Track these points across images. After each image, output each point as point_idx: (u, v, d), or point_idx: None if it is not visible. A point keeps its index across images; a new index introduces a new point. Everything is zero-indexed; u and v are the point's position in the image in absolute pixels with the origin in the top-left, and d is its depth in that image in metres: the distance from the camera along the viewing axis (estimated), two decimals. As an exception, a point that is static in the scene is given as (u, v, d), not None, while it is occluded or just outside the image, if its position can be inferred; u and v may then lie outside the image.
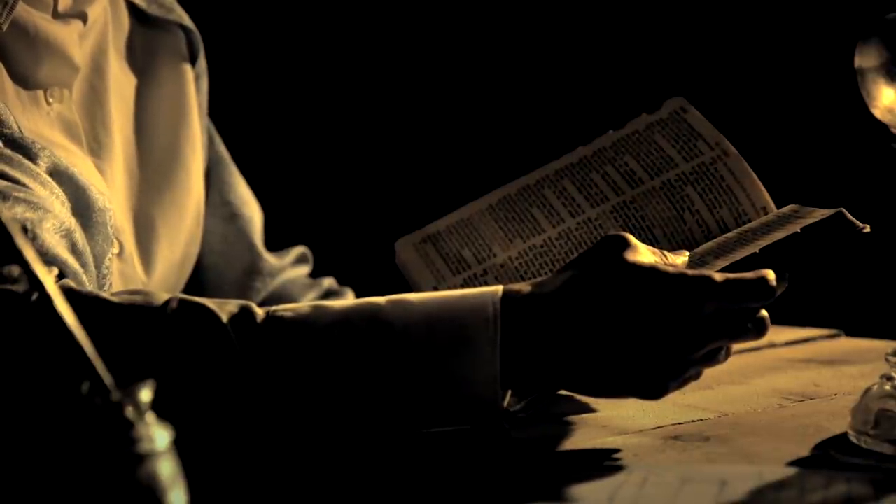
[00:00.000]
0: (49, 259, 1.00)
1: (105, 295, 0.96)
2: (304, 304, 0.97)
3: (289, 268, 1.40)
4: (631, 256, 0.95)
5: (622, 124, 1.18)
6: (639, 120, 1.17)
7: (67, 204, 1.08)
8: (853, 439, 0.94)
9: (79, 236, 1.06)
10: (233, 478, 0.92)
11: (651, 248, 0.97)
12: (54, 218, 1.03)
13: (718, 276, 0.94)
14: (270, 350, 0.93)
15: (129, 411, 0.66)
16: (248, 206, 1.37)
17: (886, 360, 0.95)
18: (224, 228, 1.34)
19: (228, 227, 1.35)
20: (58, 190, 1.07)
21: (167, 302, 0.95)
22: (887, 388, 0.94)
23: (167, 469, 0.66)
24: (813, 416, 1.03)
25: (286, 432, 0.94)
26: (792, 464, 0.91)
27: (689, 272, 0.94)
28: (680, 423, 1.02)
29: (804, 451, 0.94)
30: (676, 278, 0.93)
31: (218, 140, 1.37)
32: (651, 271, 0.94)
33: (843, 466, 0.91)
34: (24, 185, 1.04)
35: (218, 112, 1.38)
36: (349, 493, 0.88)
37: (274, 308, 0.95)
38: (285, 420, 0.93)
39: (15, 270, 0.96)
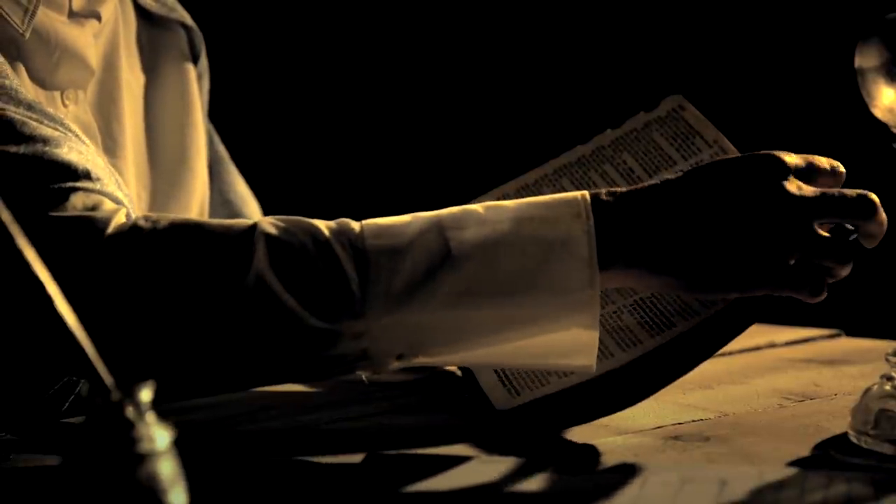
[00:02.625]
0: (115, 199, 1.00)
1: (193, 218, 0.98)
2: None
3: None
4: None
5: (620, 123, 1.17)
6: (637, 118, 1.16)
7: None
8: (853, 439, 0.94)
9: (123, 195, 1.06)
10: (233, 478, 0.92)
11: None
12: (104, 170, 1.03)
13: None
14: (371, 260, 0.94)
15: (130, 411, 0.66)
16: (248, 206, 1.37)
17: (886, 360, 0.95)
18: (224, 228, 1.34)
19: (228, 226, 1.35)
20: (99, 159, 1.07)
21: (257, 222, 0.96)
22: (887, 388, 0.94)
23: (167, 469, 0.66)
24: (813, 416, 1.03)
25: (389, 343, 0.95)
26: (792, 464, 0.91)
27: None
28: (680, 423, 1.02)
29: (804, 451, 0.94)
30: (751, 154, 0.98)
31: (217, 139, 1.37)
32: (728, 158, 0.98)
33: (843, 466, 0.91)
34: (81, 140, 1.04)
35: (218, 112, 1.38)
36: (349, 494, 0.88)
37: (367, 221, 0.96)
38: (387, 326, 0.94)
39: (88, 200, 0.97)
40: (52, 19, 1.11)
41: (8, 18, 1.08)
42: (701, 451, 0.95)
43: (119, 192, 1.02)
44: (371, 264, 0.94)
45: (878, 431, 0.92)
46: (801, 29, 2.25)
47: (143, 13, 1.26)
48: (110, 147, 1.19)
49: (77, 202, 0.97)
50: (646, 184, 0.98)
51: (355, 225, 0.95)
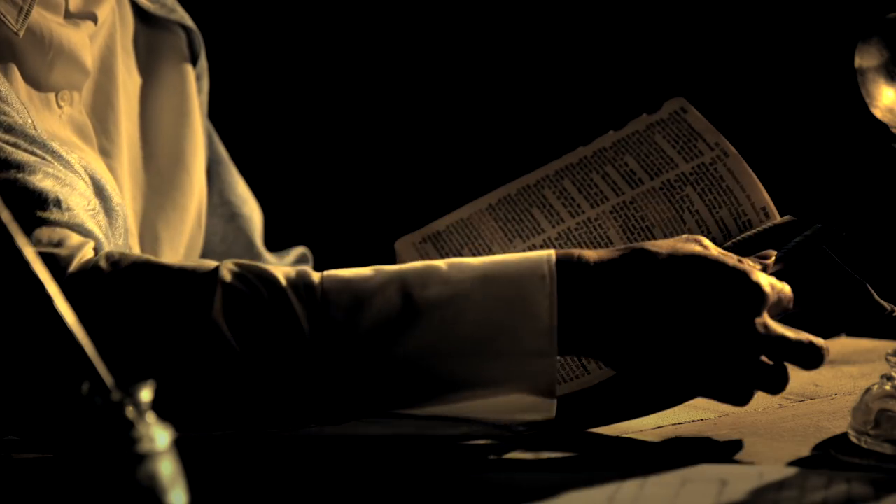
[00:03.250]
0: (84, 231, 1.00)
1: (155, 259, 0.97)
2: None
3: (288, 268, 1.40)
4: (699, 248, 0.96)
5: (622, 124, 1.17)
6: (639, 120, 1.16)
7: (91, 188, 1.08)
8: (853, 439, 0.94)
9: (102, 219, 1.06)
10: (233, 478, 0.92)
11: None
12: (81, 196, 1.03)
13: (775, 287, 0.96)
14: (328, 311, 0.93)
15: (130, 411, 0.66)
16: (248, 206, 1.37)
17: (886, 360, 0.95)
18: (224, 228, 1.35)
19: (228, 226, 1.35)
20: (83, 174, 1.07)
21: (219, 266, 0.95)
22: (887, 388, 0.94)
23: (167, 469, 0.66)
24: (813, 416, 1.03)
25: (341, 395, 0.94)
26: (792, 464, 0.91)
27: (756, 271, 0.96)
28: (680, 423, 1.02)
29: (804, 451, 0.94)
30: (742, 273, 0.94)
31: (217, 140, 1.37)
32: (717, 262, 0.95)
33: (843, 466, 0.91)
34: (50, 162, 1.04)
35: (218, 112, 1.38)
36: (348, 494, 0.88)
37: (328, 271, 0.95)
38: (342, 381, 0.93)
39: (54, 235, 0.97)
40: (47, 20, 1.11)
41: (2, 17, 1.08)
42: (701, 451, 0.95)
43: (90, 222, 1.02)
44: (328, 318, 0.93)
45: (878, 431, 0.92)
46: (801, 29, 2.24)
47: (141, 14, 1.26)
48: (105, 148, 1.19)
49: (42, 236, 0.97)
50: (620, 252, 0.96)
51: (315, 276, 0.94)
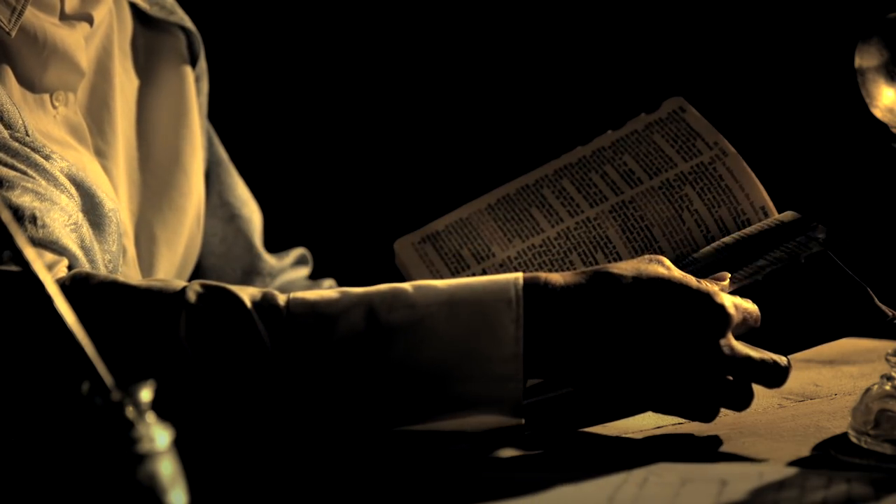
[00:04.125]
0: (58, 249, 1.00)
1: (122, 279, 0.97)
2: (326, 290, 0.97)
3: (289, 269, 1.40)
4: (663, 270, 0.96)
5: (621, 124, 1.17)
6: (638, 120, 1.17)
7: (77, 202, 1.08)
8: (853, 439, 0.94)
9: (86, 232, 1.06)
10: (233, 478, 0.92)
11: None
12: (62, 211, 1.03)
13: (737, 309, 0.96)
14: (293, 333, 0.93)
15: (130, 411, 0.66)
16: (247, 207, 1.37)
17: (886, 360, 0.95)
18: (223, 229, 1.35)
19: (227, 227, 1.35)
20: (68, 186, 1.07)
21: (185, 287, 0.95)
22: (887, 388, 0.94)
23: (167, 469, 0.66)
24: (813, 416, 1.03)
25: (307, 419, 0.94)
26: (792, 464, 0.91)
27: (720, 293, 0.96)
28: (680, 423, 1.02)
29: (804, 451, 0.94)
30: (705, 295, 0.95)
31: (217, 141, 1.37)
32: (680, 284, 0.95)
33: (843, 466, 0.91)
34: (31, 177, 1.04)
35: (218, 113, 1.38)
36: (347, 494, 0.88)
37: (295, 293, 0.95)
38: (309, 403, 0.93)
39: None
40: (41, 20, 1.11)
41: None
42: (701, 451, 0.95)
43: (67, 239, 1.02)
44: (292, 340, 0.93)
45: (878, 431, 0.92)
46: (801, 29, 2.24)
47: (140, 16, 1.26)
48: (101, 149, 1.19)
49: None
50: (585, 276, 0.96)
51: (281, 298, 0.94)
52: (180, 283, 0.96)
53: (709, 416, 0.96)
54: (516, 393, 0.93)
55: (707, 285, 0.96)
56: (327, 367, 0.93)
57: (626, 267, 0.96)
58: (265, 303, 0.94)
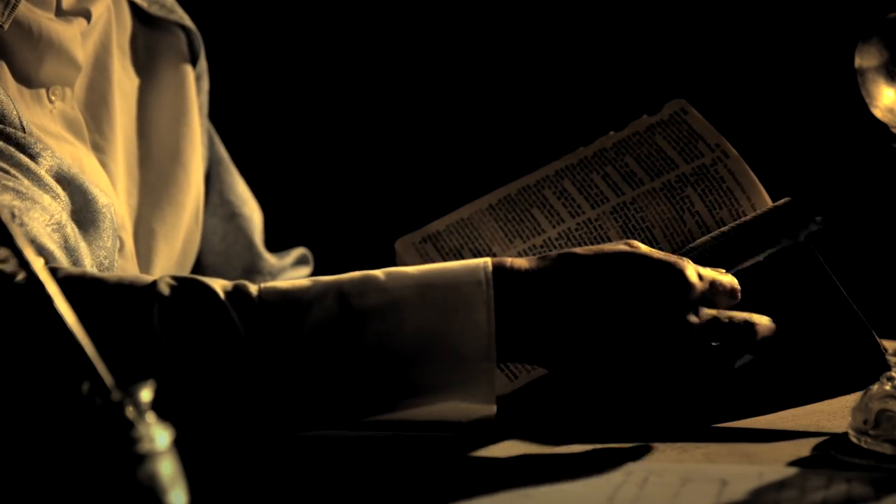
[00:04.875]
0: (35, 248, 1.00)
1: (93, 272, 0.97)
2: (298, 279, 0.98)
3: (289, 268, 1.40)
4: (625, 247, 0.98)
5: (623, 125, 1.18)
6: (640, 121, 1.17)
7: (63, 202, 1.08)
8: (853, 439, 0.94)
9: (71, 232, 1.06)
10: (233, 478, 0.92)
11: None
12: (43, 210, 1.04)
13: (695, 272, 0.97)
14: (267, 320, 0.93)
15: (130, 411, 0.66)
16: (248, 206, 1.37)
17: (886, 360, 0.95)
18: (223, 228, 1.35)
19: (228, 226, 1.35)
20: (53, 186, 1.07)
21: (156, 280, 0.95)
22: (887, 388, 0.94)
23: (167, 469, 0.66)
24: (813, 416, 1.03)
25: (285, 406, 0.94)
26: (792, 464, 0.91)
27: (683, 261, 0.97)
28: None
29: (804, 451, 0.94)
30: (666, 264, 0.96)
31: (217, 140, 1.37)
32: (642, 255, 0.97)
33: (843, 466, 0.91)
34: (13, 175, 1.04)
35: (218, 112, 1.38)
36: (346, 493, 0.88)
37: (264, 284, 0.96)
38: (284, 389, 0.94)
39: (2, 251, 0.97)
40: (36, 14, 1.11)
41: None
42: (701, 451, 0.95)
43: (45, 238, 1.02)
44: (266, 327, 0.93)
45: (878, 431, 0.92)
46: (802, 29, 2.24)
47: (140, 15, 1.26)
48: (98, 144, 1.19)
49: None
50: (549, 258, 0.97)
51: (253, 288, 0.95)
52: (151, 277, 0.96)
53: (687, 382, 0.97)
54: (489, 374, 0.94)
55: (671, 257, 0.97)
56: (301, 353, 0.93)
57: (590, 248, 0.98)
58: (237, 292, 0.94)
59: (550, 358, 0.97)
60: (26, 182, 1.04)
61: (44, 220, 1.03)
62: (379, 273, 0.95)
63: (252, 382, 0.93)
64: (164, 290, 0.94)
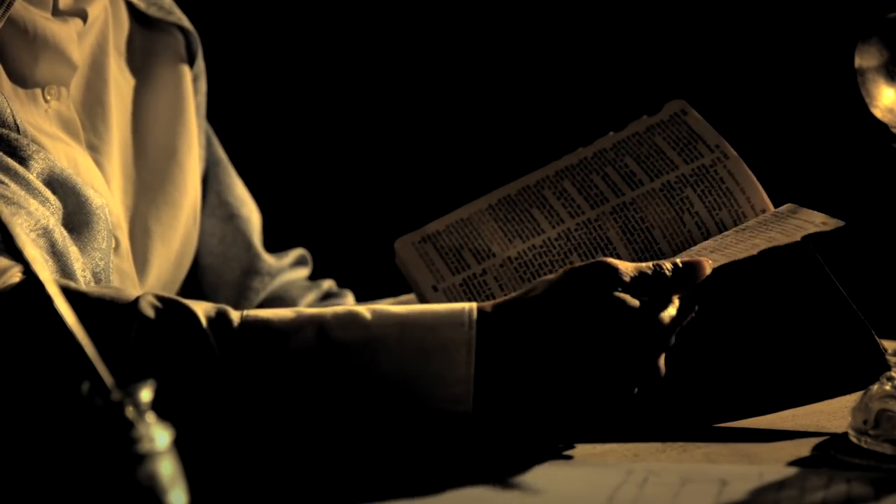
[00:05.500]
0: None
1: (76, 285, 0.98)
2: (282, 309, 0.98)
3: (288, 269, 1.40)
4: (609, 286, 0.97)
5: (622, 126, 1.18)
6: (639, 122, 1.17)
7: (53, 206, 1.08)
8: (853, 439, 0.94)
9: (59, 236, 1.06)
10: (233, 478, 0.92)
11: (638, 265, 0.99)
12: (28, 215, 1.04)
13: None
14: (245, 346, 0.94)
15: (130, 411, 0.66)
16: (246, 207, 1.37)
17: (886, 360, 0.95)
18: (222, 229, 1.35)
19: (226, 227, 1.35)
20: (42, 191, 1.07)
21: (138, 298, 0.96)
22: (887, 388, 0.94)
23: (167, 469, 0.66)
24: (813, 416, 1.03)
25: (261, 431, 0.95)
26: (792, 464, 0.91)
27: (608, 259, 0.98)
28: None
29: (804, 451, 0.94)
30: (595, 263, 0.97)
31: (215, 141, 1.37)
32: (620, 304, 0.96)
33: (843, 466, 0.91)
34: (0, 181, 1.04)
35: (216, 113, 1.38)
36: (344, 491, 0.88)
37: (248, 312, 0.96)
38: (262, 419, 0.94)
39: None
40: (31, 13, 1.11)
41: None
42: (701, 452, 0.95)
43: (28, 245, 1.02)
44: (245, 354, 0.94)
45: (878, 431, 0.92)
46: (802, 29, 2.25)
47: (137, 16, 1.26)
48: (94, 143, 1.19)
49: None
50: (523, 296, 0.97)
51: (234, 315, 0.95)
52: (135, 293, 0.96)
53: (648, 378, 0.96)
54: (466, 414, 0.94)
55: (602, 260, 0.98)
56: (276, 380, 0.94)
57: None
58: (219, 316, 0.95)
59: (535, 398, 0.96)
60: (13, 186, 1.04)
61: (28, 226, 1.03)
62: (364, 309, 0.96)
63: (224, 404, 0.94)
64: (147, 310, 0.95)
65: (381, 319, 0.95)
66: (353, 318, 0.96)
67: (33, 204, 1.05)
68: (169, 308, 0.95)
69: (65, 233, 1.07)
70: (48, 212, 1.06)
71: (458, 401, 0.94)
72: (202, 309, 0.95)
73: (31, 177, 1.06)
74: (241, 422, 0.94)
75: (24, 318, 0.95)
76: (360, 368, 0.94)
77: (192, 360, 0.94)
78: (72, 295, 0.96)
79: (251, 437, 0.95)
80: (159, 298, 0.96)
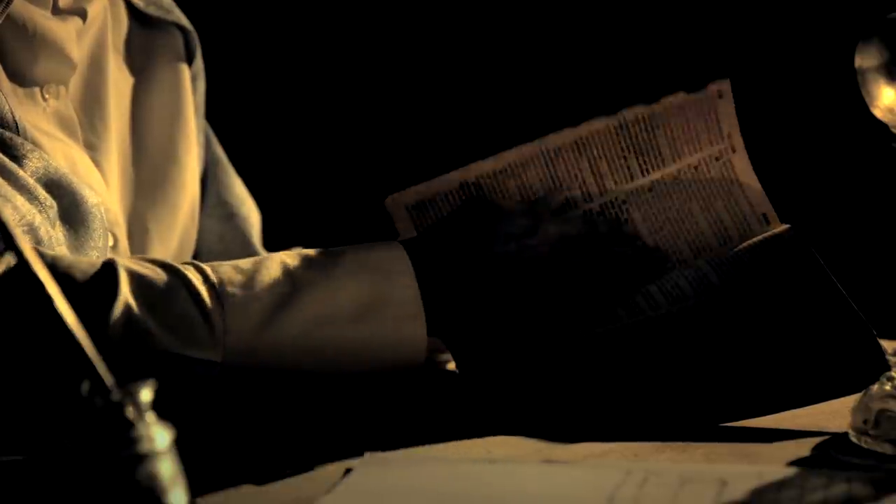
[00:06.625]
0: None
1: (61, 257, 1.02)
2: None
3: (287, 268, 1.40)
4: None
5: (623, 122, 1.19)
6: (676, 96, 1.17)
7: (45, 204, 1.08)
8: (853, 439, 0.94)
9: (44, 234, 1.06)
10: (233, 477, 0.92)
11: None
12: (14, 209, 1.04)
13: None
14: (224, 288, 1.03)
15: (130, 411, 0.66)
16: (245, 206, 1.37)
17: (886, 360, 0.95)
18: (221, 228, 1.35)
19: (226, 226, 1.35)
20: (33, 188, 1.07)
21: (113, 259, 1.02)
22: (887, 388, 0.94)
23: (167, 469, 0.66)
24: (813, 416, 1.03)
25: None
26: (792, 464, 0.91)
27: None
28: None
29: (804, 451, 0.94)
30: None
31: (214, 141, 1.37)
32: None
33: (843, 466, 0.91)
34: None
35: (216, 113, 1.38)
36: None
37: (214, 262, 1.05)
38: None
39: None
40: (31, 11, 1.11)
41: None
42: (701, 452, 0.95)
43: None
44: (226, 294, 1.02)
45: (878, 431, 0.92)
46: (802, 29, 2.25)
47: (136, 15, 1.26)
48: (92, 142, 1.19)
49: None
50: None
51: (205, 265, 1.04)
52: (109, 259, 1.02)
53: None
54: (421, 330, 1.05)
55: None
56: (256, 317, 1.02)
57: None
58: (193, 266, 1.03)
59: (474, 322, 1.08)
60: (0, 181, 1.05)
61: (14, 220, 1.04)
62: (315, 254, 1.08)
63: (217, 342, 1.01)
64: (128, 263, 1.01)
65: (334, 258, 1.07)
66: (310, 259, 1.07)
67: (19, 199, 1.05)
68: (143, 258, 1.04)
69: (52, 232, 1.08)
70: (35, 209, 1.07)
71: (412, 316, 1.05)
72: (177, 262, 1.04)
73: (23, 174, 1.07)
74: (226, 350, 1.01)
75: (17, 311, 0.96)
76: (322, 298, 1.04)
77: (182, 300, 1.01)
78: (55, 263, 1.00)
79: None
80: (131, 258, 1.03)
